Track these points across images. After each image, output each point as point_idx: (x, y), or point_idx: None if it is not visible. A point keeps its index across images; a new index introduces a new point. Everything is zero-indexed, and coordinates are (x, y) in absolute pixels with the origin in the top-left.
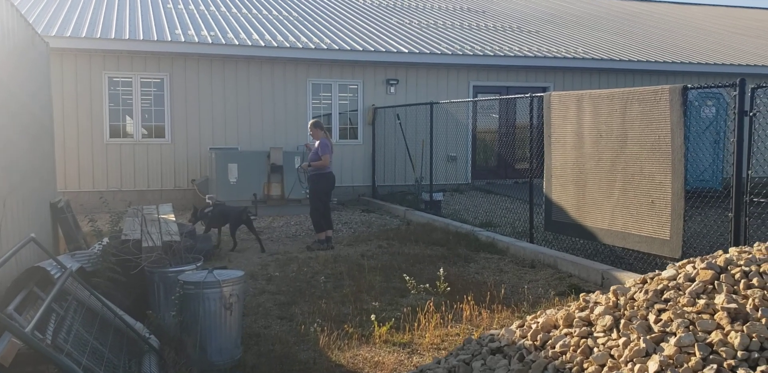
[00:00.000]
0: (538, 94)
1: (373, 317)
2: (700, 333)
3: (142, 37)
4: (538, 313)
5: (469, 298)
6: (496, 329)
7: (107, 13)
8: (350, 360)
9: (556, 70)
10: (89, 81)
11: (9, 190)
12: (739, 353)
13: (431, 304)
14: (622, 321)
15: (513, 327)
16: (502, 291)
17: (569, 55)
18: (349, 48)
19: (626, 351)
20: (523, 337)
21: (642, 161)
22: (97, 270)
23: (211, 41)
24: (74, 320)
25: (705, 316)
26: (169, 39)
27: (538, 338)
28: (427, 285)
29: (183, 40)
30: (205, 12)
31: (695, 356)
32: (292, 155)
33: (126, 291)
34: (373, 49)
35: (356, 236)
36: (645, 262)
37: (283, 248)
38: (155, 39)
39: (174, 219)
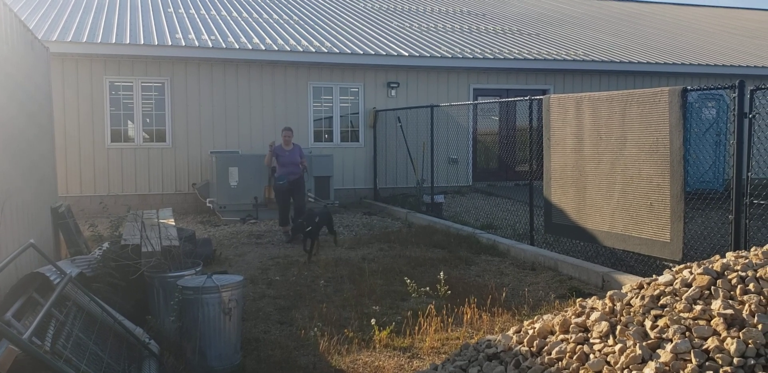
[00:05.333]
0: (538, 97)
1: (373, 321)
2: (696, 339)
3: (143, 42)
4: (535, 318)
5: (470, 301)
6: (496, 332)
7: (108, 18)
8: (350, 365)
9: (556, 73)
10: (90, 86)
11: (7, 196)
12: (735, 360)
13: (432, 307)
14: (619, 327)
15: (510, 333)
16: (503, 294)
17: (569, 58)
18: (349, 51)
19: (622, 358)
20: (520, 343)
21: (641, 163)
22: (97, 275)
23: (211, 45)
24: (74, 326)
25: (701, 322)
26: (170, 43)
27: (535, 344)
28: (428, 288)
29: (183, 44)
30: (206, 16)
31: (691, 362)
32: None
33: (126, 296)
34: (373, 53)
35: (357, 239)
36: (646, 264)
37: (284, 251)
38: (156, 43)
39: (174, 223)
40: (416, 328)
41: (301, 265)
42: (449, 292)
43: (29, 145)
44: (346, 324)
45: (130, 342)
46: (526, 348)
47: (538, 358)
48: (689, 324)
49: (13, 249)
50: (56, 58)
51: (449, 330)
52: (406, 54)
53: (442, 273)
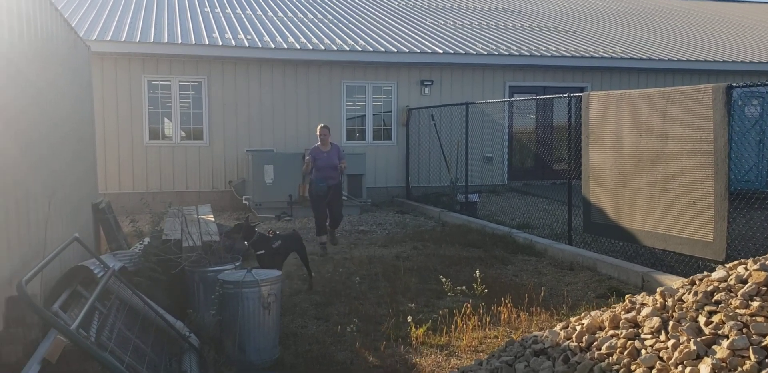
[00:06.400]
0: (576, 95)
1: (409, 318)
2: (754, 336)
3: (180, 41)
4: (582, 315)
5: (507, 300)
6: (534, 331)
7: (146, 18)
8: (387, 361)
9: (594, 70)
10: (129, 84)
11: (53, 192)
12: None
13: (468, 306)
14: (671, 323)
15: (557, 329)
16: (541, 294)
17: (607, 55)
18: (383, 49)
19: (676, 353)
20: (568, 338)
21: (683, 162)
22: (139, 269)
23: (247, 45)
24: (117, 319)
25: (759, 319)
26: (207, 43)
27: (584, 339)
28: (464, 287)
29: (220, 43)
30: (242, 15)
31: (750, 359)
32: None
33: (167, 290)
34: (407, 51)
35: (390, 237)
36: (687, 264)
37: (318, 248)
38: (193, 43)
39: (213, 219)
40: (453, 326)
41: (336, 262)
42: (486, 291)
43: (72, 142)
44: (382, 321)
45: (171, 335)
46: (575, 344)
47: (588, 353)
48: (746, 321)
49: (58, 243)
50: (95, 57)
51: (486, 329)
52: (441, 51)
53: (478, 272)
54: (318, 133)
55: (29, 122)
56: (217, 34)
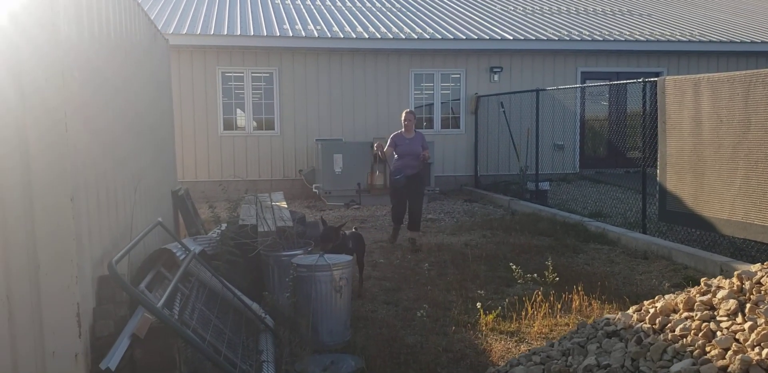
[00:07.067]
0: (652, 79)
1: (479, 304)
2: None
3: (252, 33)
4: (656, 298)
5: (579, 288)
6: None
7: (219, 10)
8: (456, 346)
9: (670, 55)
10: (204, 76)
11: (139, 178)
12: None
13: (539, 293)
14: (748, 305)
15: (630, 311)
16: (614, 282)
17: (684, 39)
18: (452, 37)
19: (753, 335)
20: (641, 321)
21: (767, 147)
22: (217, 253)
23: (317, 35)
24: (197, 299)
25: None
26: (278, 34)
27: (657, 321)
28: (535, 275)
29: (291, 34)
30: (311, 6)
31: None
32: None
33: (243, 273)
34: (476, 38)
35: (459, 226)
36: None
37: (387, 235)
38: (265, 34)
39: (286, 206)
40: (523, 313)
41: (405, 249)
42: (557, 279)
43: (154, 133)
44: (451, 307)
45: (248, 316)
46: (648, 325)
47: (661, 335)
48: None
49: (142, 227)
50: (173, 50)
51: (557, 316)
52: (510, 38)
53: (550, 259)
54: (403, 118)
55: (114, 114)
56: (287, 26)
